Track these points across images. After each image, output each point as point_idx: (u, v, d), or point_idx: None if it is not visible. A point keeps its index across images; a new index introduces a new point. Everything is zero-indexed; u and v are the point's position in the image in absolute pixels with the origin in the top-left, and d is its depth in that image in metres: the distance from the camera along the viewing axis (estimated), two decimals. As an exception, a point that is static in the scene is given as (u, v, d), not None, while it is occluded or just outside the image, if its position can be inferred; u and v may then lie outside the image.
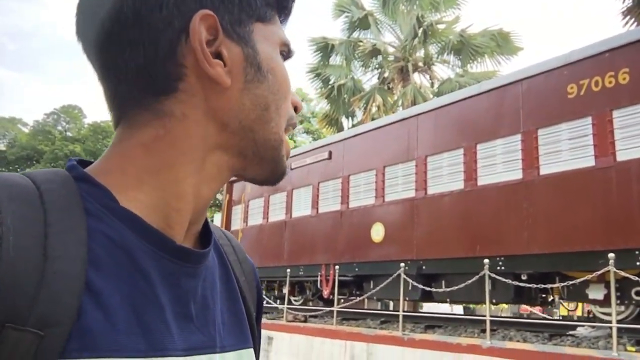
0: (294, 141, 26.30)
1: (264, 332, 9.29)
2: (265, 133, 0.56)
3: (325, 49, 16.23)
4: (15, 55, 68.57)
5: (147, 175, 0.53)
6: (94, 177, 0.52)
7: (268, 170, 0.58)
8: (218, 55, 0.53)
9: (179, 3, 0.52)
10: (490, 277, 6.67)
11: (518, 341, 6.39)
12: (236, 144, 0.56)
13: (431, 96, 15.12)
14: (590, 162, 6.35)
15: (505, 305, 15.63)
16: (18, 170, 40.76)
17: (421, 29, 14.61)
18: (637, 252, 5.82)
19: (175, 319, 0.52)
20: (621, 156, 6.07)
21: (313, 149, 11.25)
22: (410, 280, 7.70)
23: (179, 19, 0.52)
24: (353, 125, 15.80)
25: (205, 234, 0.61)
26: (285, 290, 10.38)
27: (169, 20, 0.52)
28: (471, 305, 16.27)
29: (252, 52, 0.55)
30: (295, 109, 0.60)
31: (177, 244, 0.54)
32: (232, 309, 0.62)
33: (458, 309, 17.00)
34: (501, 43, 14.39)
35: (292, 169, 11.42)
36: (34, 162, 38.67)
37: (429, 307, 13.90)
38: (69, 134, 40.82)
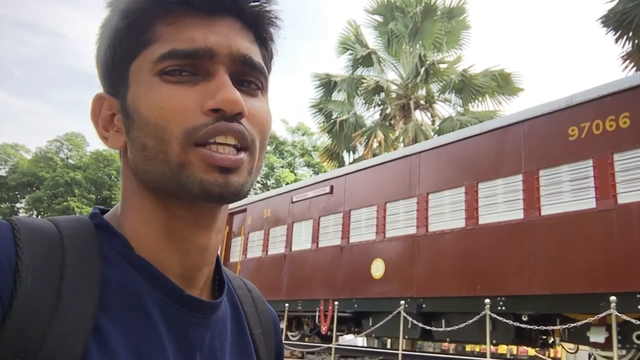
0: (295, 174, 26.41)
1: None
2: (157, 169, 0.54)
3: (328, 85, 16.47)
4: (20, 82, 69.37)
5: (126, 224, 0.57)
6: (113, 226, 0.56)
7: (192, 195, 0.53)
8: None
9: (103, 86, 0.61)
10: (490, 317, 6.63)
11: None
12: (151, 187, 0.56)
13: (432, 134, 15.28)
14: (591, 204, 6.38)
15: (504, 347, 15.43)
16: (17, 195, 40.76)
17: (423, 67, 14.85)
18: (638, 296, 5.79)
19: None
20: (622, 199, 6.11)
21: (314, 183, 11.30)
22: (410, 319, 7.63)
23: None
24: (354, 160, 15.89)
25: (220, 283, 0.63)
26: (283, 325, 10.26)
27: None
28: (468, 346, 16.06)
29: (122, 102, 0.56)
30: (220, 111, 0.53)
31: (185, 293, 0.55)
32: None
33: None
34: (502, 83, 14.61)
35: (292, 202, 11.44)
36: (35, 188, 38.68)
37: (432, 346, 13.70)
38: (70, 161, 40.93)
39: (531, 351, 12.65)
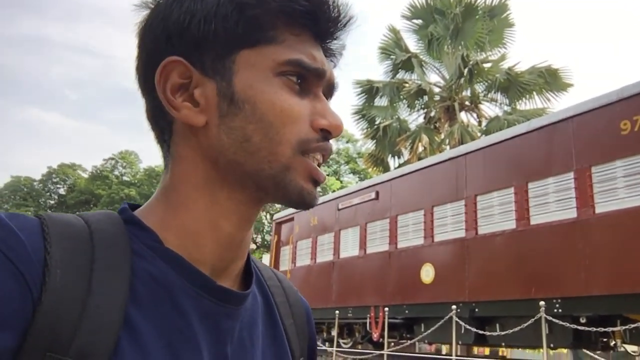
0: (340, 181, 26.45)
1: (313, 375, 9.17)
2: (255, 164, 0.54)
3: (370, 91, 16.46)
4: (75, 104, 72.65)
5: (169, 217, 0.56)
6: (142, 220, 0.55)
7: (282, 197, 0.57)
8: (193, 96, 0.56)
9: (153, 53, 0.57)
10: (547, 320, 6.43)
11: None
12: (232, 178, 0.56)
13: (479, 135, 14.99)
14: (648, 199, 6.12)
15: (564, 350, 14.88)
16: (76, 213, 42.47)
17: (467, 68, 14.63)
18: None
19: (211, 359, 0.53)
20: (682, 193, 5.83)
21: (360, 190, 11.29)
22: (463, 323, 7.49)
23: (155, 68, 0.56)
24: (399, 165, 15.78)
25: (249, 275, 0.63)
26: (334, 333, 10.27)
27: (153, 71, 0.56)
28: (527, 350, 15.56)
29: (226, 85, 0.55)
30: (325, 131, 0.57)
31: (217, 284, 0.55)
32: (275, 351, 0.62)
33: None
34: (549, 80, 14.20)
35: (339, 210, 11.46)
36: (92, 205, 40.24)
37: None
38: (125, 178, 42.43)
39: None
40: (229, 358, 0.54)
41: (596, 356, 7.03)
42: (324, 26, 0.58)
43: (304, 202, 0.56)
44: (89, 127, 74.30)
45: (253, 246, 28.16)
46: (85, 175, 43.76)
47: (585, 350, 7.48)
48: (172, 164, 0.58)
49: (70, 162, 45.03)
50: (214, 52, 0.55)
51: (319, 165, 0.58)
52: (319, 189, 0.59)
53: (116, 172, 42.81)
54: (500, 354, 11.07)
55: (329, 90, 0.61)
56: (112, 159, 43.03)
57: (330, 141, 0.59)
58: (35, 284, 0.44)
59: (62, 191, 44.03)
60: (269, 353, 0.60)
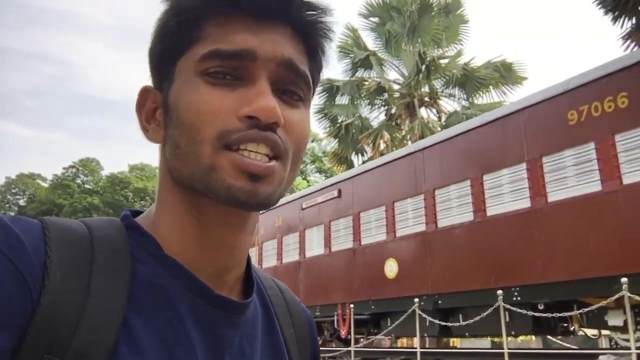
0: (307, 181, 26.47)
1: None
2: (187, 169, 0.54)
3: (330, 89, 16.53)
4: (32, 112, 70.66)
5: (162, 224, 0.57)
6: (142, 227, 0.56)
7: (216, 199, 0.53)
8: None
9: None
10: (506, 308, 6.59)
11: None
12: (183, 187, 0.56)
13: (439, 129, 15.23)
14: (597, 186, 6.33)
15: (532, 338, 15.27)
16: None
17: (424, 65, 14.86)
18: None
19: None
20: (627, 179, 6.05)
21: (322, 188, 11.34)
22: (425, 316, 7.61)
23: None
24: (363, 162, 15.91)
25: (250, 284, 0.63)
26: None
27: None
28: (495, 339, 15.90)
29: (165, 98, 0.56)
30: (254, 119, 0.52)
31: (215, 293, 0.55)
32: None
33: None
34: (505, 74, 14.54)
35: (302, 209, 11.48)
36: (54, 215, 39.17)
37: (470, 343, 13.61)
38: (87, 186, 41.52)
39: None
40: None
41: (562, 342, 7.23)
42: (248, 2, 0.53)
43: (238, 201, 0.52)
44: (48, 135, 72.36)
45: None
46: (46, 185, 42.65)
47: (550, 337, 7.69)
48: (159, 177, 0.60)
49: (29, 171, 43.85)
50: (165, 69, 0.57)
51: (272, 158, 0.53)
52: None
53: (78, 181, 41.85)
54: (451, 344, 11.25)
55: (286, 68, 0.55)
56: (73, 167, 42.06)
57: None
58: (35, 285, 0.45)
59: (22, 202, 42.81)
60: None
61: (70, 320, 0.45)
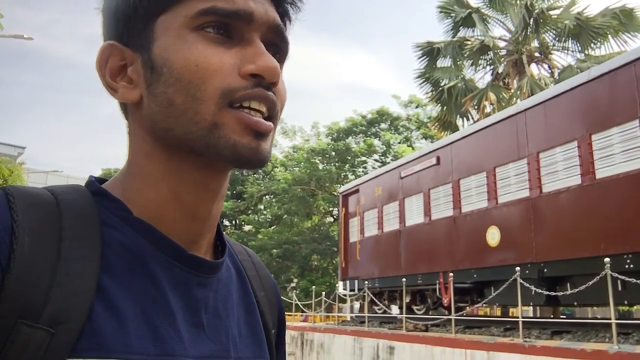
0: (413, 148, 26.02)
1: (386, 342, 9.33)
2: (183, 127, 0.52)
3: (431, 52, 15.97)
4: None
5: (132, 190, 0.56)
6: (110, 192, 0.55)
7: (218, 158, 0.53)
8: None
9: (106, 37, 0.58)
10: (616, 277, 6.12)
11: (654, 347, 5.78)
12: (172, 146, 0.54)
13: (552, 86, 14.20)
14: None
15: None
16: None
17: (532, 18, 13.83)
18: None
19: (186, 326, 0.52)
20: None
21: (421, 156, 11.14)
22: (528, 285, 7.30)
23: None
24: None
25: (221, 247, 0.63)
26: (406, 300, 10.31)
27: None
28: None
29: (147, 55, 0.54)
30: (258, 77, 0.52)
31: (188, 253, 0.55)
32: (249, 322, 0.62)
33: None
34: (625, 21, 13.12)
35: (401, 178, 11.39)
36: None
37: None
38: None
39: None
40: (205, 326, 0.54)
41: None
42: None
43: (243, 158, 0.52)
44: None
45: (330, 219, 28.41)
46: None
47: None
48: (128, 141, 0.59)
49: None
50: (137, 27, 0.55)
51: (267, 117, 0.54)
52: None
53: None
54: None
55: (275, 33, 0.56)
56: None
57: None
58: (4, 251, 0.44)
59: None
60: (243, 323, 0.60)
61: (42, 285, 0.44)
